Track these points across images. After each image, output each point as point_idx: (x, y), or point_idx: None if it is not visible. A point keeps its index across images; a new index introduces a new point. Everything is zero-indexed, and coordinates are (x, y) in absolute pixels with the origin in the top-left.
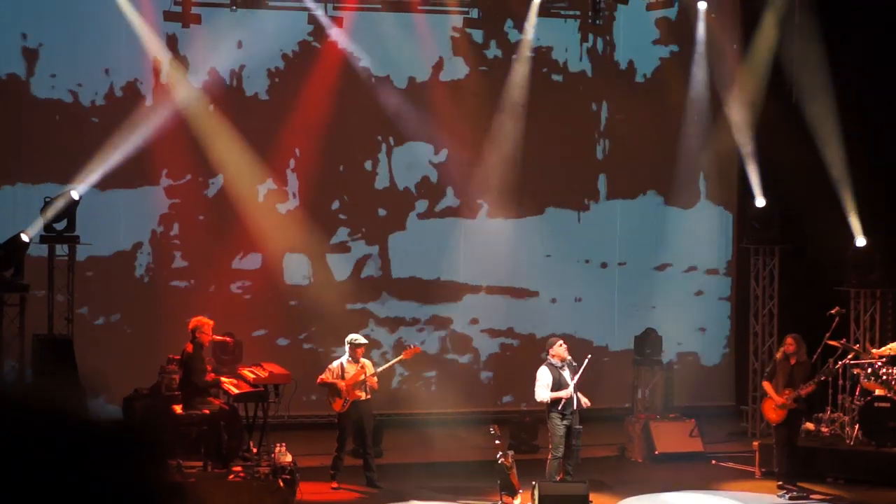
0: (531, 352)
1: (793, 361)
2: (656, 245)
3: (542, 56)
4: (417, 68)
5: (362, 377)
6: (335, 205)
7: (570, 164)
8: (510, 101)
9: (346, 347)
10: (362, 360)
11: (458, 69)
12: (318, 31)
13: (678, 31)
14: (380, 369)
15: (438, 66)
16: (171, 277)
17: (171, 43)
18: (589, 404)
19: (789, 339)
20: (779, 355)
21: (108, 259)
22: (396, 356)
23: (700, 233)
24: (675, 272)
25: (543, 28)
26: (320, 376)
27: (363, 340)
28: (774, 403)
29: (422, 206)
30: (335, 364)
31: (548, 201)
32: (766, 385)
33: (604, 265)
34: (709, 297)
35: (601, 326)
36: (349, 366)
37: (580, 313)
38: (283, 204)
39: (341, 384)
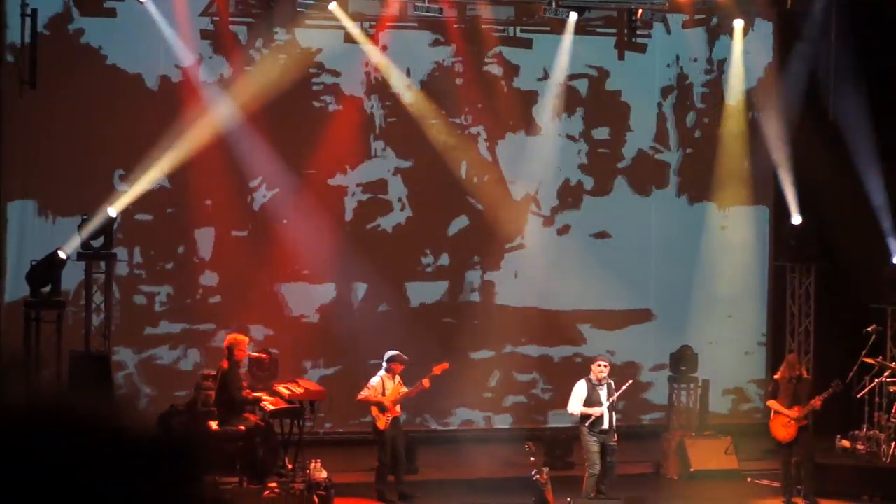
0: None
1: (795, 381)
2: (691, 261)
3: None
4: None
5: (401, 393)
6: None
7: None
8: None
9: (385, 364)
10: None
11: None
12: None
13: (714, 48)
14: (412, 390)
15: None
16: None
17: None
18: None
19: (793, 360)
20: (779, 375)
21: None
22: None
23: (735, 249)
24: (711, 288)
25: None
26: (362, 394)
27: (402, 356)
28: (786, 421)
29: None
30: (375, 381)
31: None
32: (774, 404)
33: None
34: (745, 314)
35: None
36: (388, 382)
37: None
38: None
39: (385, 401)
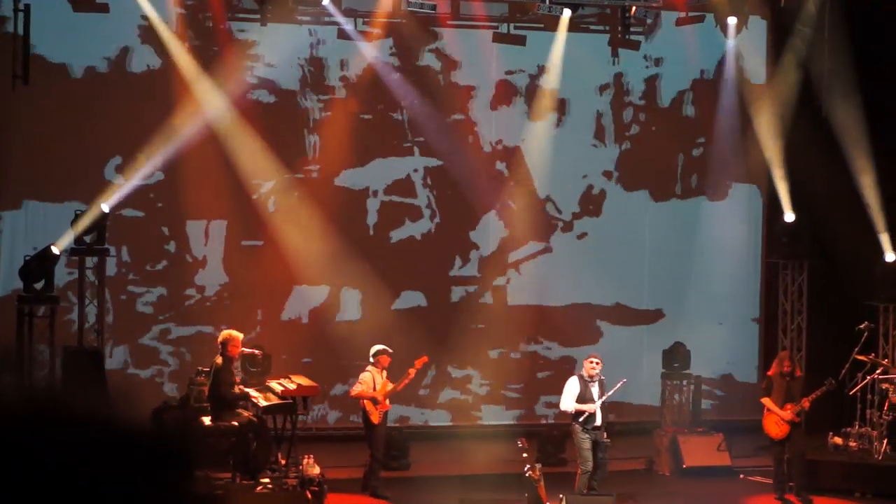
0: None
1: (789, 378)
2: (685, 257)
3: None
4: None
5: (390, 387)
6: None
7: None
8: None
9: (372, 358)
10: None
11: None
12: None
13: (707, 45)
14: (399, 384)
15: None
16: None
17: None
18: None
19: (785, 357)
20: (772, 372)
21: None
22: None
23: (728, 246)
24: (703, 284)
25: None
26: (355, 389)
27: (388, 349)
28: (779, 419)
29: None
30: (367, 376)
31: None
32: (767, 401)
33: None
34: (737, 311)
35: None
36: (378, 376)
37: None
38: None
39: (378, 395)
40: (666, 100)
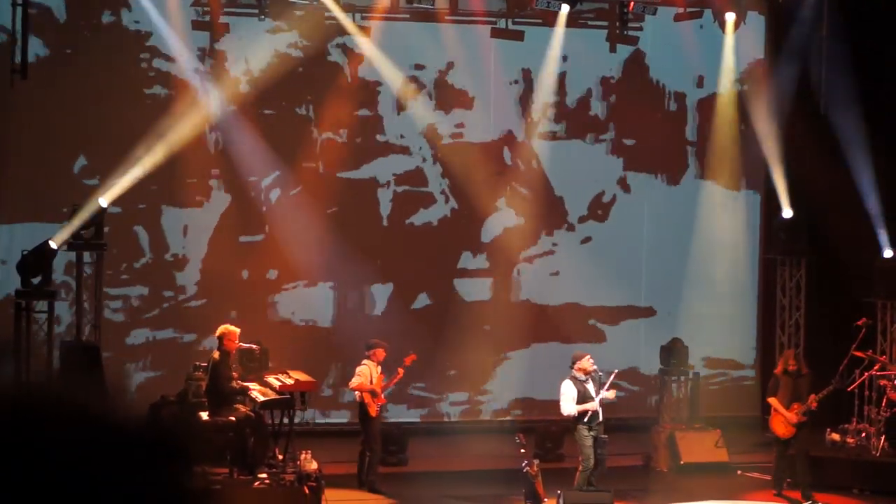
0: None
1: (795, 376)
2: (682, 254)
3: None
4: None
5: (384, 382)
6: None
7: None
8: None
9: (367, 352)
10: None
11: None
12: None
13: (707, 41)
14: (389, 381)
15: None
16: None
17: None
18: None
19: (791, 355)
20: (778, 370)
21: None
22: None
23: (726, 242)
24: (701, 280)
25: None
26: (354, 382)
27: (384, 343)
28: (785, 419)
29: None
30: (364, 369)
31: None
32: (774, 401)
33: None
34: (735, 307)
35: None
36: (374, 369)
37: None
38: None
39: (376, 388)
40: (668, 96)
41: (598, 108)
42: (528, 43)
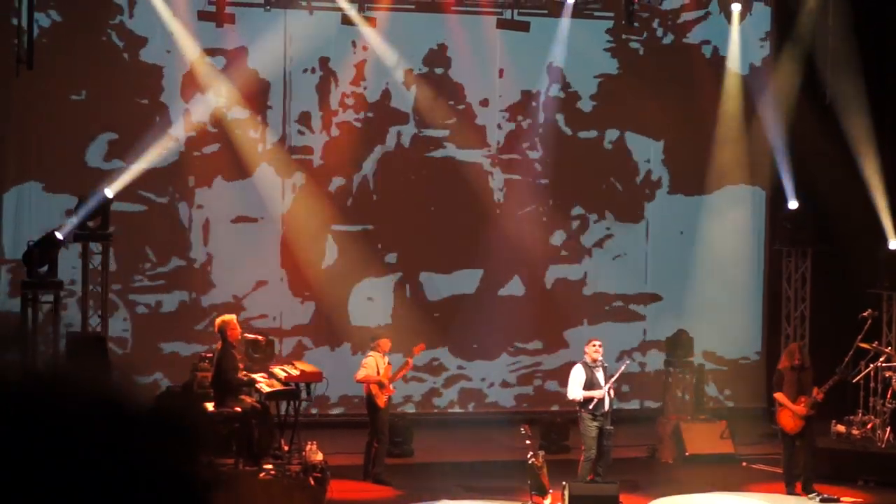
0: None
1: (798, 370)
2: (688, 245)
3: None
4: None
5: (392, 371)
6: None
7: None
8: None
9: (372, 343)
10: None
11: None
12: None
13: (712, 31)
14: (398, 372)
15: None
16: None
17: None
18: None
19: (795, 349)
20: (782, 365)
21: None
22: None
23: (732, 233)
24: (707, 271)
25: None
26: (360, 374)
27: (386, 335)
28: (793, 414)
29: None
30: (370, 361)
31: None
32: (780, 396)
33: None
34: (740, 298)
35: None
36: (380, 361)
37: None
38: None
39: (383, 379)
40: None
41: (588, 106)
42: None
